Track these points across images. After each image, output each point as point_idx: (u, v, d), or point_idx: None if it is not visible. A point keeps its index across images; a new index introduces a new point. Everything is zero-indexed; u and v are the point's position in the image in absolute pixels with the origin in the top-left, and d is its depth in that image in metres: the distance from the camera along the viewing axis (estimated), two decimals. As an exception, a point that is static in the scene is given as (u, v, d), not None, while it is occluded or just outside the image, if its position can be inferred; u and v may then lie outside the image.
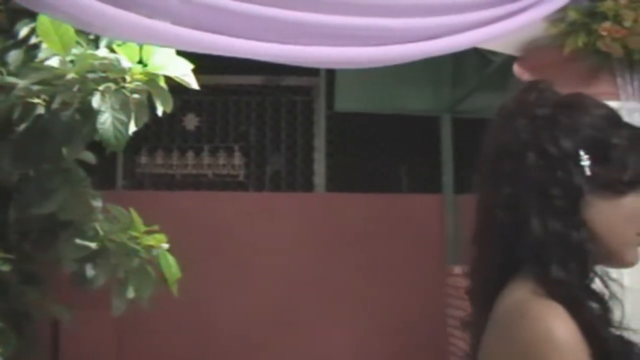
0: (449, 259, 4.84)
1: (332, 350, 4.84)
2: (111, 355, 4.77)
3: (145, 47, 2.56)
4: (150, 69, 2.57)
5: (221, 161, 5.46)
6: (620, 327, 1.07)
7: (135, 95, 2.60)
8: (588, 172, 1.07)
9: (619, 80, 2.64)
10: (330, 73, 5.25)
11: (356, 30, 2.13)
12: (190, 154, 5.48)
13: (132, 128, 2.65)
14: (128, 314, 4.68)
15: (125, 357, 4.83)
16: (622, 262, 1.12)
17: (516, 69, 2.94)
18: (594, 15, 2.54)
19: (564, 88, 2.73)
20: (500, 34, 2.29)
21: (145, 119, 2.66)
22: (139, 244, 2.81)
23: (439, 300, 4.80)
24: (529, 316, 0.99)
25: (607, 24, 2.52)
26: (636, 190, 1.10)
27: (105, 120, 2.49)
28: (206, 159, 5.47)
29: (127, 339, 4.82)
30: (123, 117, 2.52)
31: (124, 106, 2.55)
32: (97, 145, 3.64)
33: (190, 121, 5.51)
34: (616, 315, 1.07)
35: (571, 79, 2.67)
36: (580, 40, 2.54)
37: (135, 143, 5.38)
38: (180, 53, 2.59)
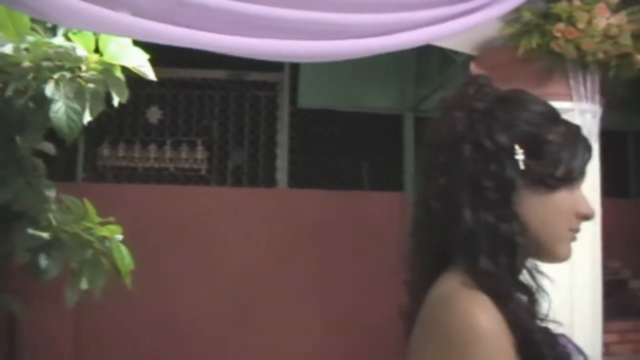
0: (409, 257, 4.86)
1: (292, 346, 4.85)
2: (68, 347, 4.71)
3: (102, 37, 2.54)
4: (106, 58, 2.55)
5: (184, 155, 5.42)
6: (546, 319, 1.09)
7: (90, 85, 2.58)
8: (522, 166, 1.09)
9: (571, 81, 2.69)
10: (295, 69, 5.26)
11: (310, 24, 2.14)
12: (152, 147, 5.44)
13: (87, 118, 2.63)
14: (86, 307, 4.65)
15: (83, 349, 4.78)
16: (554, 257, 1.14)
17: (473, 68, 2.98)
18: (548, 16, 2.59)
19: (516, 87, 2.78)
20: (455, 32, 2.31)
21: (100, 109, 2.63)
22: (92, 234, 2.78)
23: (399, 297, 4.83)
24: (453, 307, 1.01)
25: (560, 25, 2.57)
26: (568, 186, 1.12)
27: (59, 109, 2.46)
28: (169, 152, 5.43)
29: (84, 332, 4.78)
30: (77, 107, 2.49)
31: (79, 95, 2.52)
32: (57, 136, 3.61)
33: (154, 114, 5.47)
34: (543, 307, 1.09)
35: (525, 79, 2.71)
36: (534, 40, 2.58)
37: (98, 135, 5.33)
38: (143, 45, 2.57)
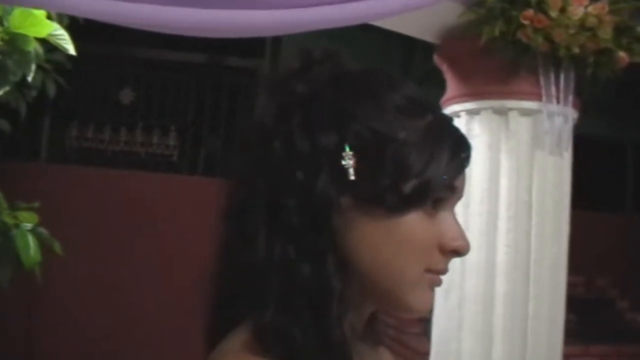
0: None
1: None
2: (20, 333, 4.49)
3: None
4: (12, 28, 2.26)
5: (155, 140, 5.14)
6: None
7: (-4, 56, 2.30)
8: (352, 176, 0.74)
9: (541, 78, 2.35)
10: (276, 55, 4.96)
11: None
12: (123, 130, 5.16)
13: (-5, 93, 2.36)
14: (41, 297, 4.42)
15: (38, 340, 4.56)
16: (403, 308, 0.79)
17: (436, 59, 2.65)
18: (515, 0, 2.24)
19: (479, 82, 2.43)
20: (393, 10, 1.99)
21: (7, 82, 2.36)
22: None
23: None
24: None
25: (529, 12, 2.22)
26: (424, 206, 0.76)
27: (-47, 81, 2.19)
28: (140, 136, 5.15)
29: (39, 322, 4.55)
30: (-26, 79, 2.22)
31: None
32: (16, 113, 3.34)
33: (126, 96, 5.18)
34: None
35: (487, 73, 2.39)
36: (498, 28, 2.23)
37: (66, 114, 5.08)
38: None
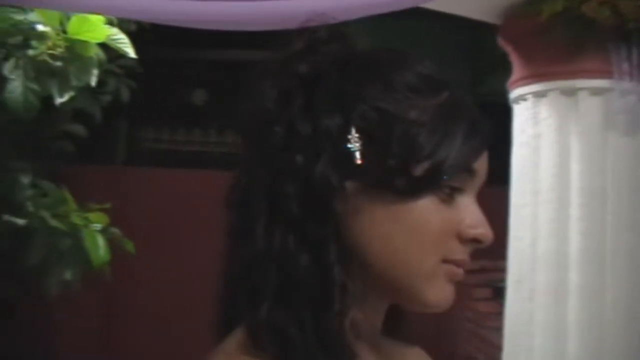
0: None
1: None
2: (96, 338, 4.62)
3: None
4: (71, 34, 2.30)
5: (229, 140, 5.18)
6: None
7: (58, 63, 2.35)
8: (358, 160, 0.70)
9: (611, 54, 2.20)
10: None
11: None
12: (197, 131, 5.23)
13: (58, 99, 2.41)
14: (116, 298, 4.52)
15: (113, 339, 4.68)
16: (418, 302, 0.74)
17: (500, 41, 2.54)
18: (578, -27, 2.12)
19: (544, 62, 2.30)
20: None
21: (70, 89, 2.40)
22: (69, 223, 2.57)
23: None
24: None
25: (594, -16, 2.09)
26: (437, 192, 0.71)
27: (15, 88, 2.25)
28: (213, 136, 5.21)
29: (114, 321, 4.67)
30: (35, 87, 2.28)
31: (41, 74, 2.31)
32: (88, 117, 3.44)
33: (199, 97, 5.25)
34: None
35: (552, 52, 2.26)
36: (561, 3, 2.11)
37: (141, 117, 5.20)
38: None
